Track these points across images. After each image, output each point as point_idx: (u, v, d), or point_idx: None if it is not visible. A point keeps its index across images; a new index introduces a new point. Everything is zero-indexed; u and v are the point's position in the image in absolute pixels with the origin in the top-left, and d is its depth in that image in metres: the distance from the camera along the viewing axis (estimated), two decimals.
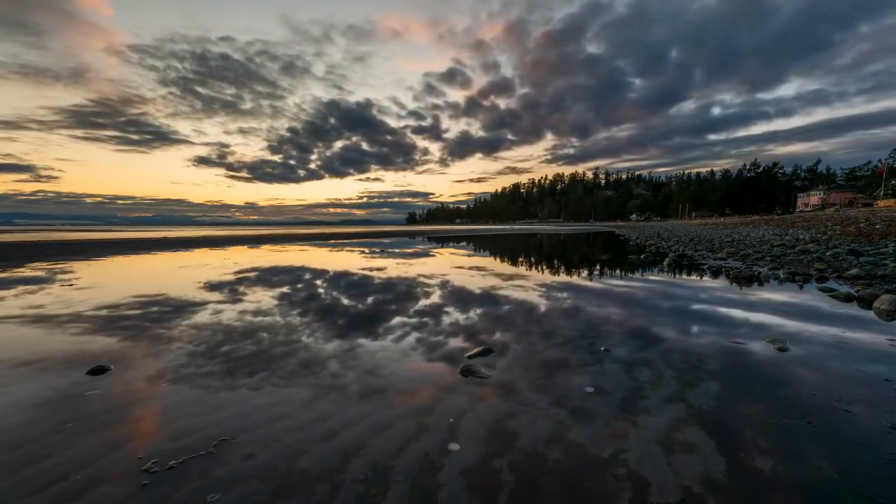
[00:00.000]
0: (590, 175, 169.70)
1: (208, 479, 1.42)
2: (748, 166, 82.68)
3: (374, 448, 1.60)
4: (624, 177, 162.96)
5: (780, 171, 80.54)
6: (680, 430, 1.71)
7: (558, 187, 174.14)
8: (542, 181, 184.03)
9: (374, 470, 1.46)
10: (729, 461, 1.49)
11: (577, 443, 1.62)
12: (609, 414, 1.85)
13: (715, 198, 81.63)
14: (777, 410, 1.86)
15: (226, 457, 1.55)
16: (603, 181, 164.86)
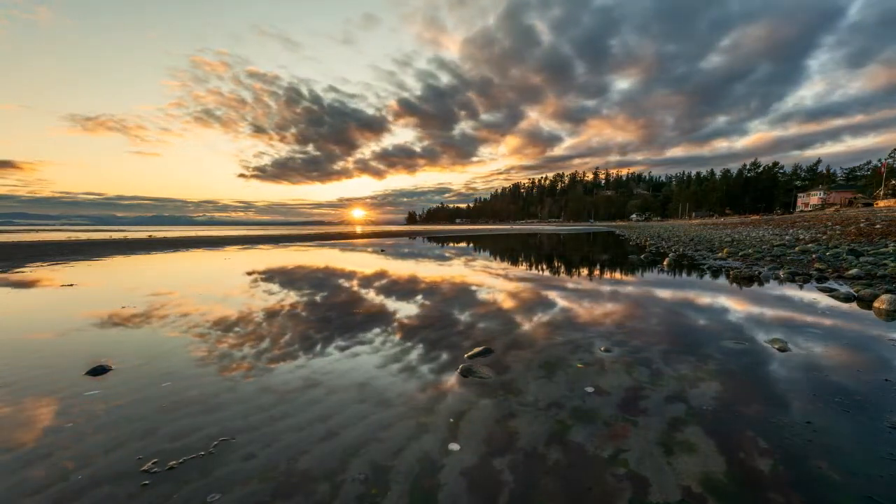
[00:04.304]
0: (590, 175, 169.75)
1: (208, 479, 1.42)
2: (748, 166, 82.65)
3: (375, 448, 1.60)
4: (624, 177, 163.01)
5: (780, 170, 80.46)
6: (680, 430, 1.71)
7: (558, 187, 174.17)
8: (542, 181, 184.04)
9: (374, 470, 1.46)
10: (729, 461, 1.49)
11: (577, 443, 1.62)
12: (609, 414, 1.85)
13: (715, 198, 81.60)
14: (777, 410, 1.86)
15: (226, 457, 1.55)
16: (603, 181, 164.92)
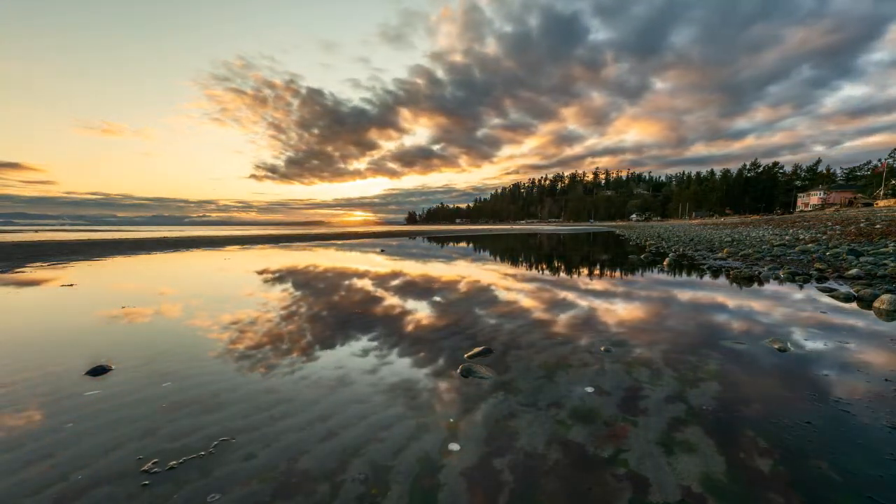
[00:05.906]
0: (590, 175, 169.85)
1: (208, 479, 1.42)
2: (748, 166, 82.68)
3: (375, 448, 1.60)
4: (624, 177, 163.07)
5: (780, 170, 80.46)
6: (680, 430, 1.71)
7: (558, 187, 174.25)
8: (542, 181, 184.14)
9: (374, 470, 1.46)
10: (729, 461, 1.49)
11: (577, 443, 1.62)
12: (609, 414, 1.85)
13: (715, 198, 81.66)
14: (777, 410, 1.86)
15: (226, 457, 1.55)
16: (603, 181, 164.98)
